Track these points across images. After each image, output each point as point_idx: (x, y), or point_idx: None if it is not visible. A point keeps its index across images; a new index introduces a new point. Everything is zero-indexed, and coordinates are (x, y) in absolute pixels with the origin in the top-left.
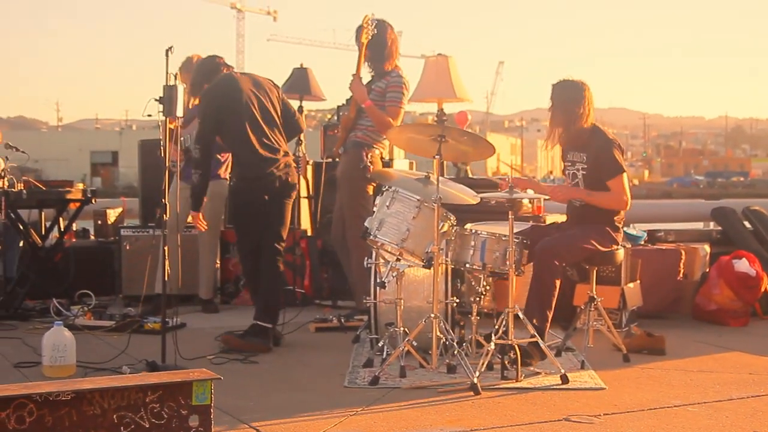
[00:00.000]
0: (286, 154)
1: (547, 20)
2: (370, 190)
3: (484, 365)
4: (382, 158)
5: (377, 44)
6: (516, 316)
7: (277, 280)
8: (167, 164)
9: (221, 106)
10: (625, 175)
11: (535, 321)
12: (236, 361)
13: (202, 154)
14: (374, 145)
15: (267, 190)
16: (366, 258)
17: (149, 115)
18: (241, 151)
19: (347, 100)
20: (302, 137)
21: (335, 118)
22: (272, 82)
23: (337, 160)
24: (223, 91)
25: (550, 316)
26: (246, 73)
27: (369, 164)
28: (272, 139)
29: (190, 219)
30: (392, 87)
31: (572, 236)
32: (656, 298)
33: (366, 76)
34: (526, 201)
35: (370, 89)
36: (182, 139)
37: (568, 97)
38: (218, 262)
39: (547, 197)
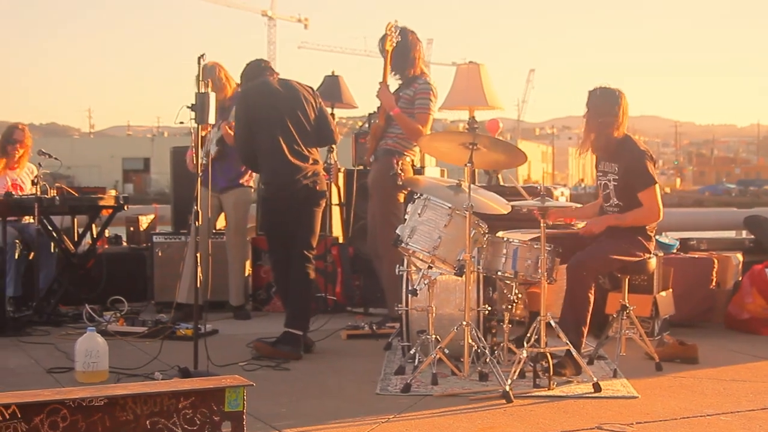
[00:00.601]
0: (315, 162)
1: (577, 28)
2: (401, 197)
3: (516, 373)
4: (413, 165)
5: (400, 51)
6: (548, 324)
7: (308, 288)
8: (199, 171)
9: (250, 115)
10: (656, 186)
11: (570, 337)
12: (268, 367)
13: (244, 160)
14: (405, 153)
15: (294, 197)
16: (397, 265)
17: (181, 123)
18: (271, 157)
19: (378, 108)
20: (334, 145)
21: (366, 125)
22: (311, 89)
23: (368, 168)
24: (254, 99)
25: (585, 331)
26: (285, 80)
27: (400, 171)
28: (302, 147)
29: (219, 225)
30: (420, 94)
31: (604, 248)
32: (688, 306)
33: (393, 83)
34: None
35: (399, 97)
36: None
37: (604, 104)
38: (250, 269)
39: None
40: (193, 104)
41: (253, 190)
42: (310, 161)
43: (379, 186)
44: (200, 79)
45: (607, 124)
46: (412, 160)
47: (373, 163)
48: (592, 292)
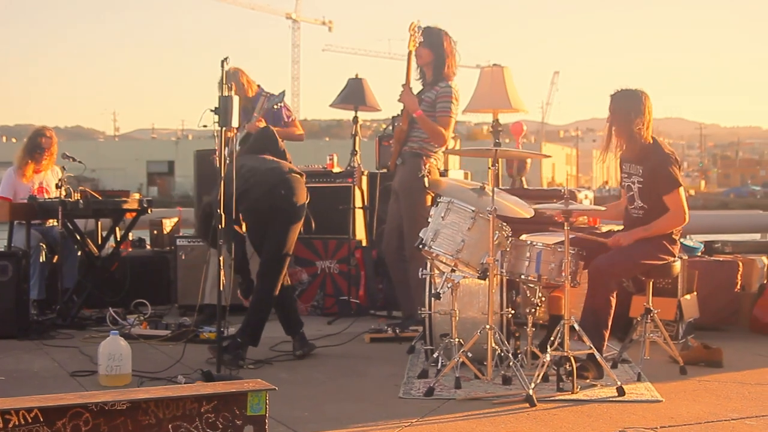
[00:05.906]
0: None
1: (602, 30)
2: (429, 200)
3: (540, 377)
4: (438, 168)
5: (438, 58)
6: (572, 328)
7: None
8: (223, 174)
9: None
10: (681, 189)
11: (591, 340)
12: (291, 371)
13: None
14: (430, 155)
15: None
16: (421, 269)
17: (205, 126)
18: None
19: (402, 110)
20: (357, 147)
21: (390, 128)
22: None
23: (392, 172)
24: None
25: (607, 334)
26: None
27: (427, 174)
28: None
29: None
30: (442, 97)
31: (628, 252)
32: (713, 310)
33: (416, 86)
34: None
35: (421, 99)
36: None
37: (627, 107)
38: None
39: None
40: (216, 107)
41: None
42: None
43: (408, 188)
44: (224, 82)
45: (631, 127)
46: (437, 162)
47: (399, 166)
48: (614, 295)
